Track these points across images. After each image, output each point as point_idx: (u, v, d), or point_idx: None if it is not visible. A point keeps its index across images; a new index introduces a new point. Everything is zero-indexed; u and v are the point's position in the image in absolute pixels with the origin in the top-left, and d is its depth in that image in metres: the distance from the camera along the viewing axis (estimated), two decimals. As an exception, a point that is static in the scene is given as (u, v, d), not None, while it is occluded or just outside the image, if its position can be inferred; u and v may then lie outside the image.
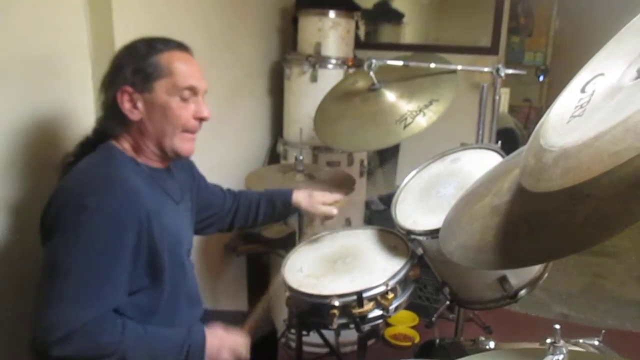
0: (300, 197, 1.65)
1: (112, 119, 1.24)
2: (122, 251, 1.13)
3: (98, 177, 1.16)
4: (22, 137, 1.45)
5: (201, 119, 1.28)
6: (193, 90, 1.26)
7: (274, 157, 2.71)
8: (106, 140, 1.25)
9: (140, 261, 1.17)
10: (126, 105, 1.21)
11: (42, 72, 1.51)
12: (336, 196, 1.68)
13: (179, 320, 1.29)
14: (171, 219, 1.28)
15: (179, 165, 1.41)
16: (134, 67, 1.21)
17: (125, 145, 1.26)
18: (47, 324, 1.05)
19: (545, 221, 0.84)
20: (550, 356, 0.65)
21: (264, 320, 1.30)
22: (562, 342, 0.66)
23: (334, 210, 1.64)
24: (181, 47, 1.28)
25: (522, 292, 1.35)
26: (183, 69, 1.24)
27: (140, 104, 1.22)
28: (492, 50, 2.98)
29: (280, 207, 1.66)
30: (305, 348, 2.06)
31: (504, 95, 4.69)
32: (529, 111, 5.33)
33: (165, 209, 1.27)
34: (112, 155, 1.23)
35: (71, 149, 1.32)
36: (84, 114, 1.62)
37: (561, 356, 0.65)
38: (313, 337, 2.10)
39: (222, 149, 2.38)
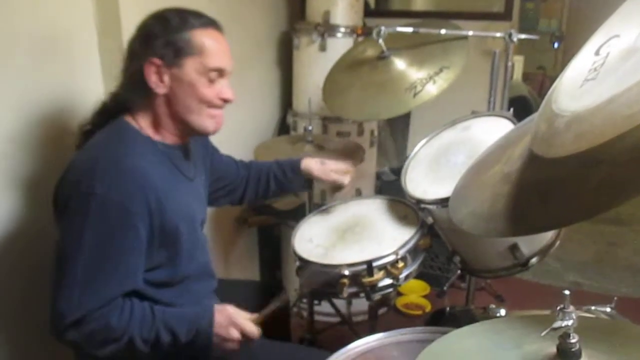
0: (312, 163, 1.63)
1: (134, 90, 1.21)
2: (132, 237, 1.12)
3: (107, 161, 1.13)
4: (30, 113, 1.45)
5: (225, 100, 1.27)
6: (220, 72, 1.23)
7: (283, 128, 2.70)
8: (122, 111, 1.23)
9: (155, 243, 1.17)
10: (152, 78, 1.18)
11: (49, 48, 1.49)
12: (348, 166, 1.66)
13: (192, 293, 1.30)
14: (184, 196, 1.28)
15: (193, 138, 1.39)
16: (166, 40, 1.17)
17: (141, 122, 1.23)
18: (59, 309, 1.07)
19: (556, 188, 0.83)
20: (559, 322, 0.65)
21: (274, 316, 1.28)
22: (571, 308, 0.65)
23: (346, 179, 1.62)
24: (214, 24, 1.25)
25: (534, 260, 1.35)
26: (215, 49, 1.21)
27: (166, 78, 1.19)
28: (505, 16, 2.91)
29: (290, 175, 1.63)
30: (317, 317, 2.10)
31: (518, 63, 4.61)
32: (543, 79, 5.24)
33: (178, 187, 1.26)
34: (126, 135, 1.21)
35: (80, 122, 1.31)
36: (91, 89, 1.61)
37: (570, 322, 0.64)
38: (325, 307, 2.13)
39: (231, 121, 2.34)
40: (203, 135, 1.32)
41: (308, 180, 1.67)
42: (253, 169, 1.66)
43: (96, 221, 1.08)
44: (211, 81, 1.22)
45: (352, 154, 1.96)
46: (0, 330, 1.46)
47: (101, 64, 1.66)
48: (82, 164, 1.15)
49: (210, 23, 1.24)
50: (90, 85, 1.62)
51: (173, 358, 1.20)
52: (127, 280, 1.14)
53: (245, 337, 1.21)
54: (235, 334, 1.20)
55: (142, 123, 1.24)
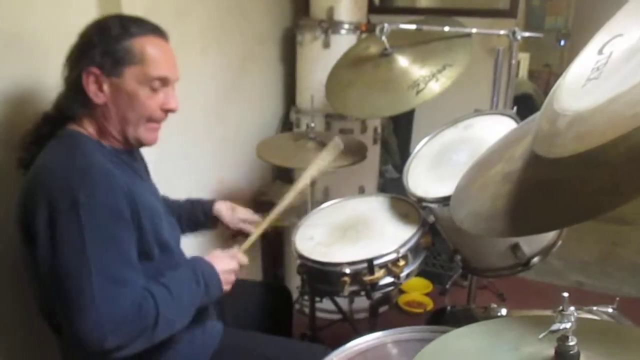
0: (223, 209, 1.59)
1: (74, 99, 1.18)
2: (127, 230, 1.12)
3: (76, 170, 1.10)
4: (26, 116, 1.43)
5: (168, 111, 1.24)
6: (164, 81, 1.20)
7: (286, 125, 2.69)
8: (66, 120, 1.21)
9: (134, 233, 1.16)
10: (91, 88, 1.15)
11: (50, 47, 1.48)
12: (256, 217, 1.61)
13: None
14: (145, 195, 1.25)
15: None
16: (104, 49, 1.14)
17: (88, 128, 1.20)
18: (91, 325, 1.02)
19: (558, 188, 0.83)
20: (558, 324, 0.64)
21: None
22: (570, 310, 0.65)
23: (251, 229, 1.57)
24: (156, 31, 1.21)
25: (535, 259, 1.34)
26: (156, 57, 1.18)
27: (106, 88, 1.16)
28: (510, 13, 2.89)
29: (202, 218, 1.59)
30: (319, 314, 2.09)
31: (524, 61, 4.58)
32: (549, 77, 5.20)
33: (138, 187, 1.23)
34: (80, 143, 1.17)
35: (21, 134, 1.25)
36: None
37: (569, 324, 0.64)
38: (326, 304, 2.13)
39: (234, 118, 2.37)
40: (140, 147, 1.29)
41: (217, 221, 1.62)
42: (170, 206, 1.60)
43: (93, 229, 1.06)
44: (154, 90, 1.19)
45: (355, 151, 1.95)
46: (8, 333, 1.46)
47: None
48: (52, 182, 1.09)
49: (152, 30, 1.21)
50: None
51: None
52: (138, 273, 1.12)
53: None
54: (234, 264, 1.30)
55: (89, 129, 1.21)
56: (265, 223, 1.48)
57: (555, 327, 0.64)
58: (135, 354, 1.10)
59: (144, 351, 1.11)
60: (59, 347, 1.26)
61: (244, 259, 1.34)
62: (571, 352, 0.65)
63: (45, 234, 1.06)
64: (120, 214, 1.11)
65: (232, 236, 1.62)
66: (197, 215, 1.59)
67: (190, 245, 1.53)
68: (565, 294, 0.66)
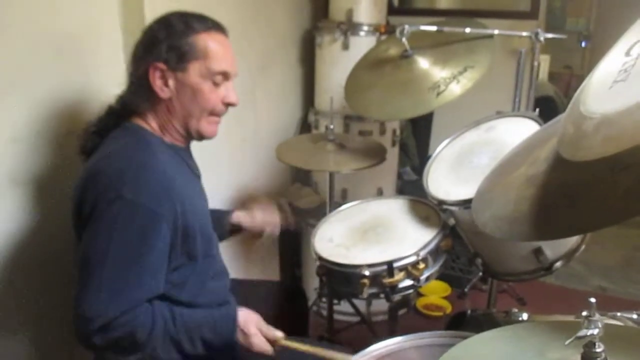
0: (241, 215, 1.60)
1: (139, 94, 1.22)
2: (158, 241, 1.13)
3: (132, 166, 1.14)
4: (55, 110, 1.47)
5: (229, 104, 1.27)
6: (225, 75, 1.24)
7: (305, 127, 2.69)
8: (130, 114, 1.24)
9: (177, 244, 1.18)
10: (157, 82, 1.19)
11: (74, 46, 1.51)
12: (273, 213, 1.63)
13: (210, 291, 1.31)
14: (199, 198, 1.30)
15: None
16: (169, 44, 1.18)
17: (152, 124, 1.25)
18: (86, 313, 1.06)
19: (583, 192, 0.81)
20: (585, 330, 0.63)
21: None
22: (597, 316, 0.63)
23: (275, 230, 1.59)
24: (218, 27, 1.25)
25: (558, 264, 1.32)
26: (219, 52, 1.22)
27: (171, 82, 1.20)
28: (532, 14, 2.86)
29: (218, 225, 1.58)
30: (337, 317, 2.09)
31: (544, 63, 4.52)
32: (570, 79, 5.13)
33: (193, 189, 1.28)
34: (142, 138, 1.21)
35: (86, 125, 1.30)
36: (115, 88, 1.63)
37: (596, 330, 0.63)
38: (344, 306, 2.12)
39: (253, 120, 2.37)
40: (200, 139, 1.32)
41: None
42: None
43: (124, 226, 1.09)
44: (215, 84, 1.23)
45: (373, 153, 1.95)
46: (21, 330, 1.48)
47: (125, 63, 1.67)
48: (107, 170, 1.14)
49: (214, 26, 1.24)
50: (113, 84, 1.62)
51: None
52: (152, 283, 1.14)
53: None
54: (258, 342, 1.23)
55: (152, 124, 1.25)
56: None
57: (582, 333, 0.63)
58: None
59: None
60: None
61: (270, 350, 1.26)
62: (599, 359, 0.64)
63: (87, 217, 1.11)
64: (158, 223, 1.12)
65: (254, 237, 1.63)
66: (221, 225, 1.59)
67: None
68: (592, 300, 0.65)
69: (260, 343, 1.24)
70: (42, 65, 1.42)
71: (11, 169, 1.39)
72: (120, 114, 1.25)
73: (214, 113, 1.26)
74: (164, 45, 1.18)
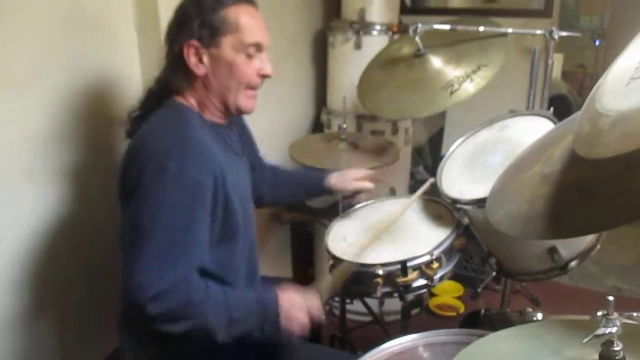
0: (332, 178, 1.61)
1: (176, 73, 1.24)
2: (203, 211, 1.14)
3: (175, 138, 1.16)
4: (71, 103, 1.50)
5: (264, 76, 1.29)
6: (258, 47, 1.25)
7: (317, 126, 2.70)
8: (170, 94, 1.26)
9: (218, 218, 1.19)
10: (192, 60, 1.21)
11: (89, 41, 1.54)
12: (367, 171, 1.64)
13: (242, 277, 1.32)
14: (238, 174, 1.30)
15: (232, 118, 1.40)
16: (201, 21, 1.20)
17: (191, 101, 1.26)
18: (141, 282, 1.06)
19: (599, 189, 0.81)
20: (603, 329, 0.62)
21: (336, 289, 1.28)
22: (615, 315, 0.63)
23: (367, 184, 1.60)
24: (247, 0, 1.27)
25: (573, 263, 1.31)
26: (250, 24, 1.23)
27: (206, 59, 1.22)
28: (545, 12, 2.84)
29: (311, 188, 1.64)
30: (349, 316, 2.09)
31: (557, 61, 4.48)
32: (584, 77, 5.08)
33: (233, 165, 1.28)
34: (183, 113, 1.23)
35: (120, 112, 1.35)
36: (130, 80, 1.66)
37: (614, 329, 0.62)
38: (357, 306, 2.12)
39: (266, 119, 2.38)
40: (239, 114, 1.34)
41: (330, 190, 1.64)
42: (278, 172, 1.66)
43: (172, 196, 1.10)
44: (249, 57, 1.24)
45: (386, 152, 1.95)
46: (45, 323, 1.51)
47: (139, 56, 1.70)
48: (150, 144, 1.16)
49: None
50: (128, 75, 1.67)
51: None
52: (200, 252, 1.14)
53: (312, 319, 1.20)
54: (301, 316, 1.19)
55: (192, 102, 1.27)
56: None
57: (600, 331, 0.63)
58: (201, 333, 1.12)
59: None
60: (120, 317, 1.30)
61: (319, 313, 1.23)
62: (617, 358, 0.64)
63: (134, 190, 1.12)
64: (203, 193, 1.14)
65: (347, 197, 1.66)
66: (309, 186, 1.65)
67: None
68: (611, 298, 0.64)
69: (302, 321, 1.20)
70: (58, 60, 1.45)
71: (28, 166, 1.42)
72: (160, 94, 1.27)
73: (250, 86, 1.27)
74: (196, 22, 1.20)
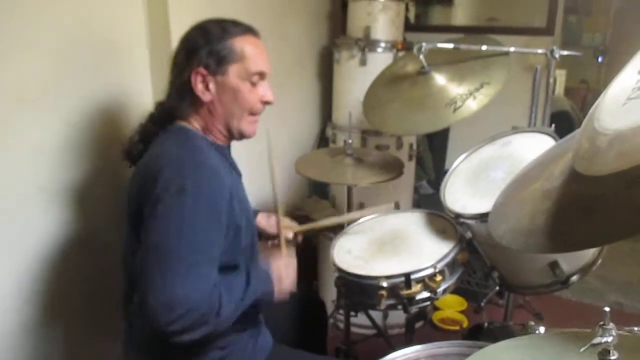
0: (260, 217, 1.64)
1: (183, 99, 1.28)
2: (217, 234, 1.17)
3: (188, 161, 1.19)
4: (84, 123, 1.54)
5: (267, 103, 1.34)
6: (262, 75, 1.30)
7: (323, 141, 2.73)
8: (174, 119, 1.30)
9: (229, 237, 1.22)
10: (199, 87, 1.25)
11: (101, 60, 1.59)
12: (291, 223, 1.65)
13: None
14: (242, 194, 1.35)
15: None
16: (209, 50, 1.24)
17: (196, 125, 1.30)
18: (167, 302, 1.07)
19: (598, 205, 0.83)
20: (599, 338, 0.65)
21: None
22: (612, 325, 0.65)
23: (288, 235, 1.59)
24: (251, 31, 1.32)
25: (574, 278, 1.34)
26: (255, 54, 1.28)
27: (212, 86, 1.26)
28: (548, 31, 2.88)
29: None
30: (354, 329, 2.10)
31: (560, 78, 4.52)
32: (586, 93, 5.12)
33: (237, 185, 1.33)
34: (191, 137, 1.27)
35: (130, 133, 1.37)
36: (142, 100, 1.70)
37: (610, 338, 0.65)
38: (361, 319, 2.14)
39: (272, 134, 2.41)
40: (242, 139, 1.38)
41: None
42: None
43: (192, 217, 1.12)
44: (253, 85, 1.29)
45: (390, 167, 1.98)
46: (52, 327, 1.53)
47: (151, 76, 1.74)
48: (168, 168, 1.17)
49: (248, 30, 1.31)
50: (140, 96, 1.71)
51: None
52: (216, 268, 1.17)
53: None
54: (291, 275, 1.33)
55: (196, 126, 1.31)
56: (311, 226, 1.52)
57: (596, 341, 0.65)
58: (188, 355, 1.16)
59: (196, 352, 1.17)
60: (125, 337, 1.34)
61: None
62: (613, 367, 0.66)
63: (151, 211, 1.14)
64: (218, 214, 1.18)
65: (267, 240, 1.65)
66: None
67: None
68: (607, 309, 0.67)
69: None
70: (70, 77, 1.50)
71: (39, 178, 1.46)
72: (163, 120, 1.31)
73: (253, 112, 1.32)
74: (204, 51, 1.24)
